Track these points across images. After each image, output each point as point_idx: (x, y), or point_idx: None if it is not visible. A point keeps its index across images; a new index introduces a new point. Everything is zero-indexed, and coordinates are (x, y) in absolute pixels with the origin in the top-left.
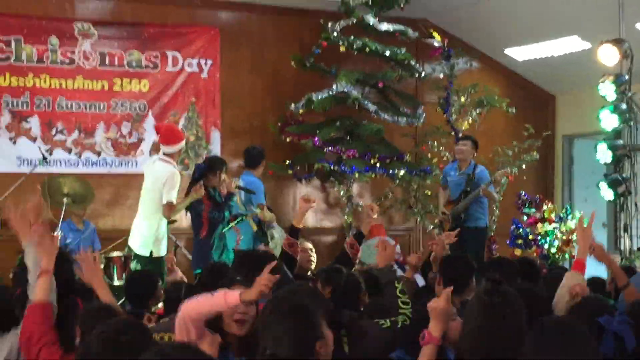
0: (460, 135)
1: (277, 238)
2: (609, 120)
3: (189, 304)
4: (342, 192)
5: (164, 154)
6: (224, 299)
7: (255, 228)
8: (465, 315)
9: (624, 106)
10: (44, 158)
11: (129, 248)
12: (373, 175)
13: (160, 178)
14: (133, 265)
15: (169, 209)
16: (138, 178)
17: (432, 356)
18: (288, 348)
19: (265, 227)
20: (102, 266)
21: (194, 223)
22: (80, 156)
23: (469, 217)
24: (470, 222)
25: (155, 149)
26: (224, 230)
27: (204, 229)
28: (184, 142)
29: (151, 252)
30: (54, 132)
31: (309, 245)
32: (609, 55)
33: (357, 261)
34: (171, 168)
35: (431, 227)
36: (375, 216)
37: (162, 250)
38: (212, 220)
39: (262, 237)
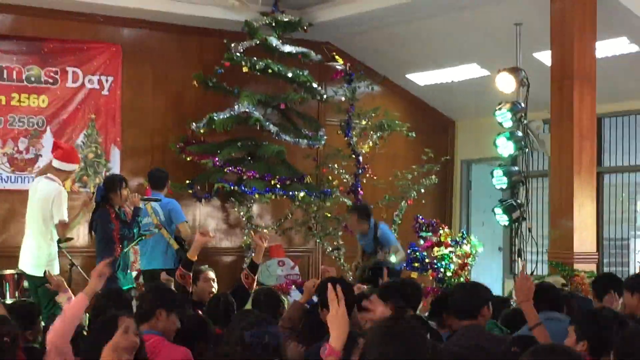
0: (360, 158)
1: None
2: (505, 147)
3: (50, 333)
4: (242, 213)
5: (55, 168)
6: (74, 305)
7: (176, 246)
8: (365, 345)
9: (519, 133)
10: None
11: (21, 271)
12: (273, 197)
13: (48, 197)
14: (26, 284)
15: (63, 227)
16: None
17: None
18: None
19: (186, 245)
20: None
21: (100, 244)
22: None
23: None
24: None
25: (41, 171)
26: (125, 250)
27: (117, 247)
28: (77, 167)
29: (44, 272)
30: None
31: (212, 276)
32: (506, 83)
33: (254, 288)
34: (56, 185)
35: (330, 249)
36: (265, 244)
37: (55, 269)
38: (122, 239)
39: (183, 254)
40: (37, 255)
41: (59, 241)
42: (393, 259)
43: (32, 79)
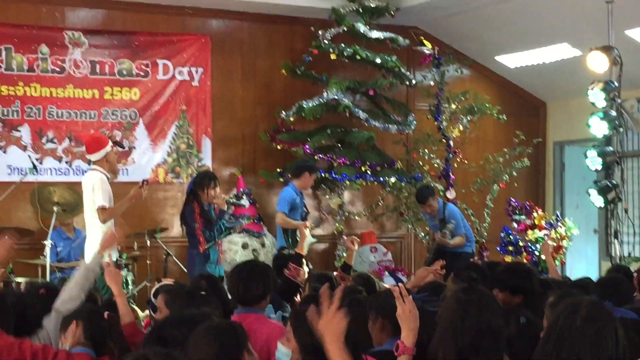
0: (450, 143)
1: (269, 245)
2: (599, 127)
3: None
4: (333, 200)
5: (92, 162)
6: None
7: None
8: (439, 315)
9: (613, 113)
10: (34, 167)
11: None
12: (364, 183)
13: (90, 186)
14: None
15: (102, 213)
16: (128, 187)
17: None
18: None
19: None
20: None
21: (188, 237)
22: (70, 165)
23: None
24: (456, 249)
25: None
26: (207, 247)
27: (201, 245)
28: (108, 146)
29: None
30: (44, 140)
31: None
32: (598, 63)
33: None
34: (97, 174)
35: (422, 234)
36: (355, 247)
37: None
38: (205, 238)
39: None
40: (94, 243)
41: (154, 231)
42: (448, 237)
43: (124, 72)
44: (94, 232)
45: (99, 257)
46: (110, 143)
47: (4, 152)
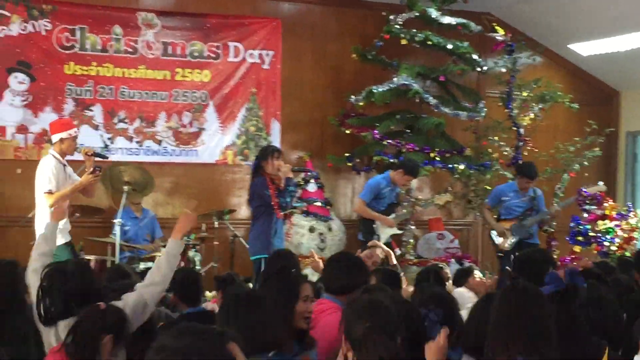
0: (521, 131)
1: (336, 229)
2: None
3: None
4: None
5: (49, 142)
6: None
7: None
8: (492, 313)
9: None
10: (106, 146)
11: None
12: (432, 169)
13: (38, 170)
14: None
15: (49, 197)
16: (198, 168)
17: None
18: None
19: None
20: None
21: (257, 211)
22: (141, 145)
23: (532, 235)
24: (532, 239)
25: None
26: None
27: (277, 211)
28: (69, 131)
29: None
30: (115, 120)
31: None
32: None
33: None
34: (44, 158)
35: None
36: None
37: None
38: (281, 205)
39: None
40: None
41: (222, 213)
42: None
43: (195, 54)
44: (43, 213)
45: (180, 243)
46: (69, 129)
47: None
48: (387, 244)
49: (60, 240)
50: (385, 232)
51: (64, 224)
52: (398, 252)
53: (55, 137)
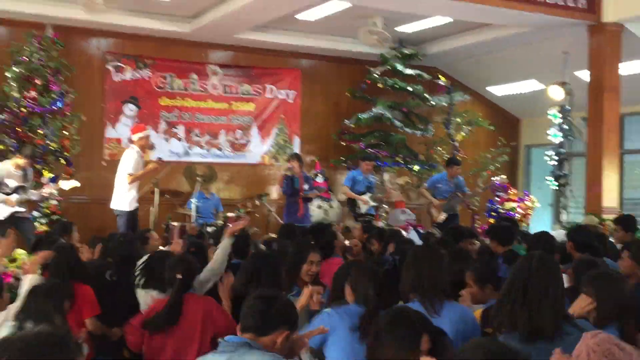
0: (456, 144)
1: (335, 206)
2: (556, 136)
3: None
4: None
5: (130, 140)
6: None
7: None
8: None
9: (565, 126)
10: (186, 152)
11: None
12: (398, 169)
13: (122, 158)
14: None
15: (128, 177)
16: (246, 166)
17: None
18: None
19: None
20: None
21: (288, 197)
22: (209, 152)
23: (456, 212)
24: (455, 213)
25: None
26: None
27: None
28: (145, 131)
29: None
30: (192, 135)
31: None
32: (556, 93)
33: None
34: (127, 150)
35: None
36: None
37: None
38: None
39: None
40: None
41: (261, 195)
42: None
43: (244, 92)
44: (122, 188)
45: (230, 241)
46: (145, 130)
47: (167, 141)
48: (368, 214)
49: (132, 206)
50: (363, 207)
51: (132, 194)
52: (381, 224)
53: (135, 137)
